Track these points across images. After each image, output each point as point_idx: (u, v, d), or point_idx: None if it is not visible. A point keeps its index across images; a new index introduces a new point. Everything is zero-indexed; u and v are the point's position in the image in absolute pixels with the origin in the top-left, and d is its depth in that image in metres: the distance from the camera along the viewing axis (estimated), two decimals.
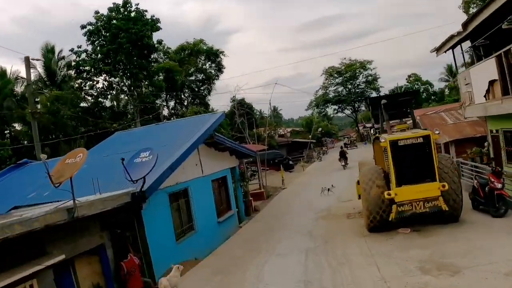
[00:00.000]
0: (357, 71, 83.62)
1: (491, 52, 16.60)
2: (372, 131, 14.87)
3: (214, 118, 16.57)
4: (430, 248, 9.55)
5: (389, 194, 10.78)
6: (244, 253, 12.25)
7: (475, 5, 33.02)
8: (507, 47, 13.49)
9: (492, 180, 11.88)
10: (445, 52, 19.80)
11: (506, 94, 14.25)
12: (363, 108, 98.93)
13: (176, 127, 18.79)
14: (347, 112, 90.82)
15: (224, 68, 50.08)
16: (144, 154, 10.50)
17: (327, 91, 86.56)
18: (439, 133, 11.07)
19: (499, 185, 11.76)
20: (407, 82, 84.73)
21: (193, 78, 49.30)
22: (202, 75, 49.85)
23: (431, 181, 10.64)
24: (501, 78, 14.37)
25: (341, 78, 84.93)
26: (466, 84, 18.52)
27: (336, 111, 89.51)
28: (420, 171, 10.76)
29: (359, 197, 14.96)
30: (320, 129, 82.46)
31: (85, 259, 8.97)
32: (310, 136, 53.53)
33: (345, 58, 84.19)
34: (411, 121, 14.50)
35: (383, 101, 12.45)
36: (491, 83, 15.56)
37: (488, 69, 15.37)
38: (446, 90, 75.88)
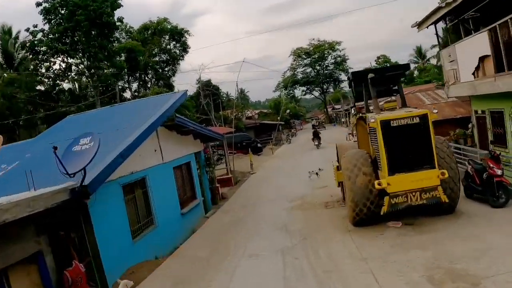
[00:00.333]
0: (326, 52, 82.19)
1: (479, 27, 15.26)
2: (353, 111, 13.21)
3: (174, 98, 14.65)
4: (431, 248, 8.02)
5: (379, 184, 9.16)
6: (209, 254, 10.41)
7: None
8: (503, 19, 12.05)
9: (491, 165, 10.49)
10: (427, 27, 18.39)
11: (500, 71, 12.92)
12: (331, 89, 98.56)
13: (133, 108, 16.76)
14: (316, 93, 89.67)
15: (189, 48, 47.66)
16: (84, 141, 8.48)
17: (295, 72, 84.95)
18: (437, 112, 9.49)
19: (499, 171, 10.39)
20: (376, 63, 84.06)
21: (157, 59, 46.73)
22: (167, 55, 47.30)
23: (430, 168, 9.08)
24: (495, 54, 13.05)
25: (309, 59, 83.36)
26: (450, 61, 17.15)
27: (304, 92, 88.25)
28: (417, 157, 9.16)
29: (339, 184, 13.43)
30: (288, 110, 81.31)
31: (21, 269, 7.24)
32: (278, 118, 51.90)
33: (313, 39, 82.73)
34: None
35: (371, 76, 10.74)
36: (482, 59, 14.25)
37: (478, 44, 14.01)
38: (416, 72, 75.92)
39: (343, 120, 69.01)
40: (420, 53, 77.41)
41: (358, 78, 11.78)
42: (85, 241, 8.64)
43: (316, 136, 36.52)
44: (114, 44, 37.54)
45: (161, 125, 13.30)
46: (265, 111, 67.28)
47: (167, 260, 10.46)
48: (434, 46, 73.16)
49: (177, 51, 48.07)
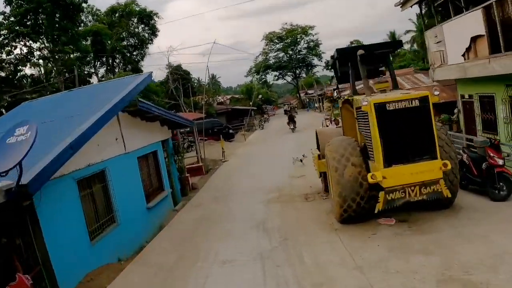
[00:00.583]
0: (298, 37, 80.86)
1: (469, 5, 14.18)
2: (335, 94, 11.89)
3: (137, 80, 13.05)
4: (436, 253, 6.84)
5: (373, 177, 7.89)
6: (176, 259, 8.93)
7: None
8: None
9: (492, 154, 9.43)
10: (411, 7, 17.27)
11: (495, 52, 11.89)
12: (304, 75, 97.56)
13: (93, 93, 15.14)
14: (288, 78, 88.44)
15: (159, 31, 45.52)
16: (20, 131, 6.84)
17: (268, 57, 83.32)
18: (438, 94, 8.26)
19: (500, 161, 9.35)
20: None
21: (125, 43, 44.39)
22: (135, 39, 45.06)
23: (431, 159, 7.88)
24: (489, 34, 12.01)
25: (282, 44, 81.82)
26: (437, 43, 16.08)
27: (276, 77, 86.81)
28: (416, 146, 7.93)
29: (320, 175, 12.17)
30: (260, 96, 79.87)
31: None
32: (250, 103, 50.40)
33: (286, 23, 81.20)
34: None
35: (360, 52, 9.39)
36: (474, 39, 13.20)
37: (470, 23, 12.95)
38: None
39: (316, 105, 68.14)
40: (394, 38, 77.03)
41: (344, 56, 10.40)
42: (33, 247, 7.18)
43: (291, 120, 37.57)
44: (79, 28, 35.43)
45: (123, 111, 11.79)
46: (237, 96, 65.52)
47: (128, 267, 8.95)
48: (408, 31, 73.10)
49: (146, 35, 46.14)
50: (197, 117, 27.51)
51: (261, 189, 14.93)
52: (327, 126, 23.72)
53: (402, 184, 7.77)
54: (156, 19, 45.05)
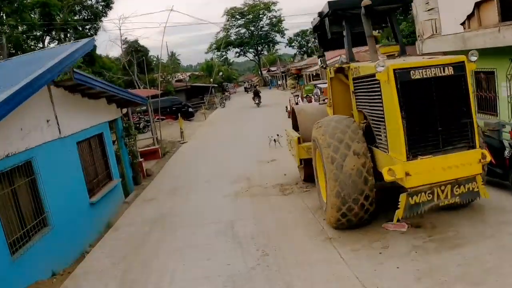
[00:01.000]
0: (261, 13, 77.85)
1: None
2: (320, 62, 9.53)
3: (75, 47, 10.34)
4: (487, 283, 4.81)
5: (391, 174, 5.66)
6: None
7: None
8: None
9: None
10: None
11: (507, 20, 10.01)
12: (266, 52, 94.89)
13: (24, 62, 12.17)
14: (250, 56, 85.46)
15: (113, 3, 41.23)
16: None
17: (229, 33, 79.90)
18: (476, 60, 6.09)
19: None
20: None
21: (77, 17, 40.06)
22: (88, 12, 40.77)
23: (467, 148, 5.78)
24: None
25: (243, 20, 78.55)
26: (428, 10, 14.09)
27: (238, 54, 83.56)
28: (449, 130, 5.79)
29: (301, 162, 9.94)
30: (221, 73, 76.86)
31: None
32: (211, 80, 47.41)
33: None
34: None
35: (366, 3, 7.00)
36: (478, 5, 11.29)
37: None
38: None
39: (279, 82, 66.03)
40: None
41: (338, 12, 7.98)
42: None
43: (256, 95, 38.41)
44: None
45: (58, 86, 9.32)
46: (197, 73, 61.98)
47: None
48: None
49: (100, 7, 41.84)
50: (152, 94, 24.54)
51: (226, 177, 12.63)
52: (297, 104, 21.60)
53: (431, 183, 5.62)
54: None
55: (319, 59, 9.36)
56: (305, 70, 42.15)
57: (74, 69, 9.22)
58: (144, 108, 30.93)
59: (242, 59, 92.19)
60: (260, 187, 10.90)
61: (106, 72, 36.29)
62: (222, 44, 77.99)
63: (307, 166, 9.59)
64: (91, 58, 38.21)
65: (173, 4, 79.18)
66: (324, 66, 9.10)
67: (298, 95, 21.85)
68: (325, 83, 23.60)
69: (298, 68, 48.23)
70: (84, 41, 11.82)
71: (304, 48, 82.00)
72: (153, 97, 39.30)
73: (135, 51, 41.69)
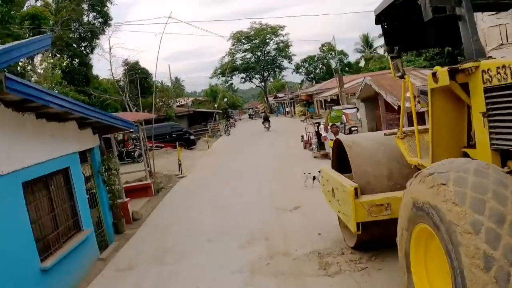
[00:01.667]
0: (268, 37, 75.59)
1: None
2: (393, 67, 5.80)
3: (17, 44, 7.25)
4: None
5: None
6: None
7: None
8: None
9: None
10: None
11: None
12: (271, 79, 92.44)
13: None
14: (256, 81, 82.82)
15: (111, 19, 38.58)
16: None
17: (234, 58, 77.51)
18: None
19: None
20: (320, 51, 79.18)
21: (73, 35, 37.47)
22: (84, 29, 38.25)
23: None
24: None
25: (249, 44, 76.24)
26: (495, 13, 10.93)
27: (243, 79, 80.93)
28: None
29: (358, 227, 6.38)
30: (225, 99, 74.21)
31: None
32: (215, 105, 44.39)
33: (255, 22, 75.62)
34: None
35: None
36: None
37: None
38: (362, 61, 71.69)
39: (287, 109, 62.98)
40: (367, 42, 73.42)
41: None
42: None
43: (266, 119, 39.72)
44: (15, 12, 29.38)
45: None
46: (201, 98, 59.02)
47: None
48: (381, 34, 69.30)
49: (97, 24, 39.24)
50: (145, 118, 21.24)
51: (234, 234, 9.16)
52: (318, 134, 18.37)
53: None
54: (109, 5, 38.44)
55: (392, 62, 5.86)
56: (317, 96, 39.13)
57: (7, 75, 5.84)
58: (136, 135, 27.94)
59: (246, 86, 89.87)
60: (287, 258, 7.35)
61: (101, 93, 33.32)
62: (228, 69, 75.56)
63: (365, 232, 6.11)
64: (86, 78, 35.37)
65: (176, 19, 76.23)
66: (401, 75, 5.65)
67: (318, 123, 18.51)
68: (352, 107, 20.28)
69: (309, 94, 45.28)
70: (40, 36, 8.58)
71: (312, 75, 79.41)
72: (145, 121, 36.35)
73: (135, 73, 39.03)
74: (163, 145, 31.82)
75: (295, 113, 57.02)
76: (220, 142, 34.98)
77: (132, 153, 27.89)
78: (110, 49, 29.85)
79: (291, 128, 36.18)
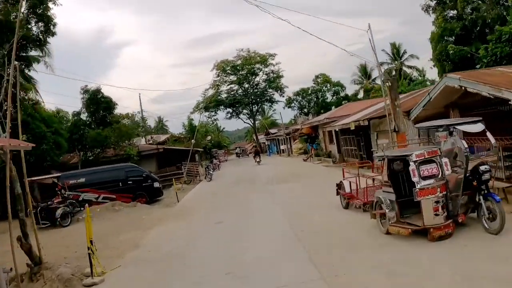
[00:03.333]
0: (257, 67, 66.55)
1: None
2: None
3: None
4: None
5: None
6: None
7: None
8: None
9: None
10: None
11: None
12: (259, 117, 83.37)
13: None
14: (243, 117, 72.77)
15: (56, 25, 28.05)
16: None
17: (219, 90, 67.93)
18: None
19: None
20: (314, 83, 70.56)
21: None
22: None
23: None
24: None
25: (236, 76, 67.02)
26: None
27: (229, 115, 70.75)
28: None
29: None
30: (209, 137, 64.42)
31: None
32: (192, 140, 34.05)
33: (242, 50, 66.68)
34: None
35: None
36: None
37: None
38: (361, 92, 63.38)
39: (282, 147, 53.05)
40: (365, 72, 65.41)
41: None
42: None
43: (257, 154, 41.52)
44: None
45: None
46: (177, 135, 48.21)
47: None
48: (381, 63, 61.62)
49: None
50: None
51: None
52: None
53: None
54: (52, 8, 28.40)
55: None
56: (328, 126, 29.48)
57: None
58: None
59: (233, 127, 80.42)
60: None
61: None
62: (212, 103, 65.97)
63: None
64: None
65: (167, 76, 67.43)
66: None
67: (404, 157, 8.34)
68: (473, 121, 9.03)
69: (313, 126, 35.47)
70: None
71: (306, 109, 70.40)
72: (106, 162, 26.15)
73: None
74: (114, 196, 21.59)
75: (292, 151, 47.19)
76: (196, 192, 24.51)
77: (54, 212, 17.52)
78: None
79: (297, 170, 26.12)
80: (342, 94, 69.89)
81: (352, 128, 21.61)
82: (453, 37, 30.15)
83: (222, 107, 68.24)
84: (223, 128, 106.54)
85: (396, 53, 58.70)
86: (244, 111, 70.59)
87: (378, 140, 21.04)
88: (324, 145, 33.88)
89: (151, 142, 33.05)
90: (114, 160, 27.96)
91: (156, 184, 23.44)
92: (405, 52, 57.77)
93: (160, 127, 79.98)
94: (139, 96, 72.71)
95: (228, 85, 67.83)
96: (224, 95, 67.57)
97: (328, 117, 31.09)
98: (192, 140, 31.87)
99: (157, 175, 26.66)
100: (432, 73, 69.85)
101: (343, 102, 63.48)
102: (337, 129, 25.07)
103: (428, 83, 44.84)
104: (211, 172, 28.68)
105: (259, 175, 26.35)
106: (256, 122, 79.63)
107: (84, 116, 31.99)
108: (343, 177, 12.46)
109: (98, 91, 32.36)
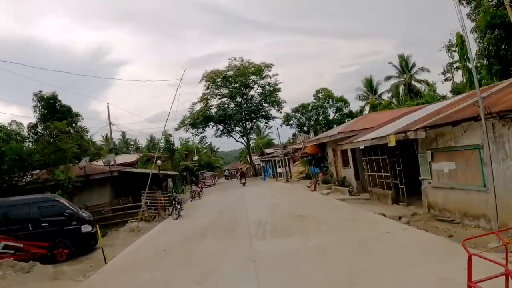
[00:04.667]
0: (251, 80, 58.80)
1: None
2: None
3: None
4: None
5: None
6: None
7: None
8: None
9: None
10: None
11: None
12: (254, 136, 75.76)
13: None
14: (236, 135, 64.49)
15: None
16: None
17: (208, 105, 59.84)
18: None
19: None
20: (315, 98, 62.83)
21: None
22: None
23: None
24: None
25: (227, 89, 59.17)
26: None
27: (220, 132, 62.46)
28: None
29: None
30: (196, 157, 56.24)
31: None
32: (158, 162, 25.39)
33: (234, 59, 58.90)
34: None
35: None
36: None
37: None
38: (367, 108, 55.94)
39: (279, 170, 44.65)
40: (370, 87, 58.11)
41: None
42: None
43: (242, 176, 43.37)
44: None
45: None
46: (150, 154, 38.98)
47: None
48: (388, 77, 54.42)
49: None
50: None
51: None
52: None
53: None
54: None
55: None
56: (340, 144, 21.43)
57: None
58: None
59: (229, 147, 72.57)
60: None
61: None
62: (200, 118, 57.85)
63: None
64: None
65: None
66: None
67: None
68: None
69: (320, 143, 27.32)
70: None
71: (305, 127, 62.58)
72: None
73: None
74: (21, 245, 13.75)
75: (291, 175, 38.94)
76: (142, 245, 15.21)
77: None
78: None
79: (301, 208, 17.73)
80: (345, 110, 62.51)
81: (393, 144, 13.53)
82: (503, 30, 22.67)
83: (212, 123, 60.08)
84: (217, 148, 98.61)
85: (405, 65, 51.93)
86: (237, 128, 62.44)
87: (434, 164, 13.03)
88: (334, 168, 25.69)
89: (106, 163, 24.77)
90: (41, 188, 19.70)
91: (86, 228, 15.23)
92: (414, 65, 51.13)
93: (123, 146, 72.30)
94: (107, 107, 64.83)
95: (219, 98, 59.90)
96: (214, 110, 59.48)
97: (343, 130, 22.98)
98: (157, 162, 23.61)
99: (108, 208, 18.38)
100: (443, 88, 62.62)
101: (346, 120, 55.99)
102: (362, 147, 16.92)
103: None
104: (178, 207, 20.26)
105: (247, 214, 17.99)
106: (251, 142, 71.78)
107: (40, 129, 24.34)
108: (469, 262, 4.31)
109: (54, 97, 24.64)
